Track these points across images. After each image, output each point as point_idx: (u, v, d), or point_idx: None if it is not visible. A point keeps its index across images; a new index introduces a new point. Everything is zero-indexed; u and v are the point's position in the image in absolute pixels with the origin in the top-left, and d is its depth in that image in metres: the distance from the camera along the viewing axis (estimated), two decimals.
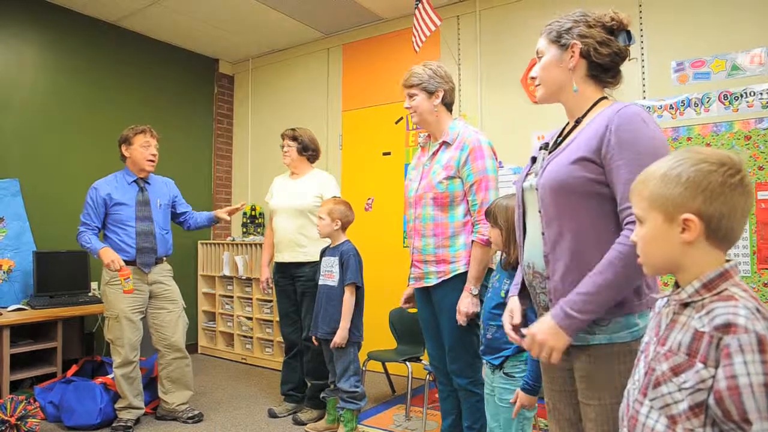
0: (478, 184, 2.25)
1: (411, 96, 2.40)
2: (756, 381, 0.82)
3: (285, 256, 3.28)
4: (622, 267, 1.24)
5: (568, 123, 1.56)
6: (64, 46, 4.28)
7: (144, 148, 3.19)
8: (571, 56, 1.45)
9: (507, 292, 1.96)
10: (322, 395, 3.15)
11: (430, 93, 2.37)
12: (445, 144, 2.36)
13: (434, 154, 2.39)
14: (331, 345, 2.86)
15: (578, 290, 1.29)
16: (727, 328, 0.87)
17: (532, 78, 1.57)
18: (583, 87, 1.48)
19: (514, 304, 1.63)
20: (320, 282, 3.01)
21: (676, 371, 0.94)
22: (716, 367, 0.87)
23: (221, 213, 3.38)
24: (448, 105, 2.43)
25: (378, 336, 3.90)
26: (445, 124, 2.40)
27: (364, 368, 3.30)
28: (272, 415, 3.35)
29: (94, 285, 4.24)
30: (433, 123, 2.41)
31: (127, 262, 3.05)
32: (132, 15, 4.43)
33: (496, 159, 2.34)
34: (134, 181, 3.22)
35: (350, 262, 2.90)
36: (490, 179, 2.26)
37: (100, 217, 3.15)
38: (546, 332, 1.31)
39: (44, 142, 4.14)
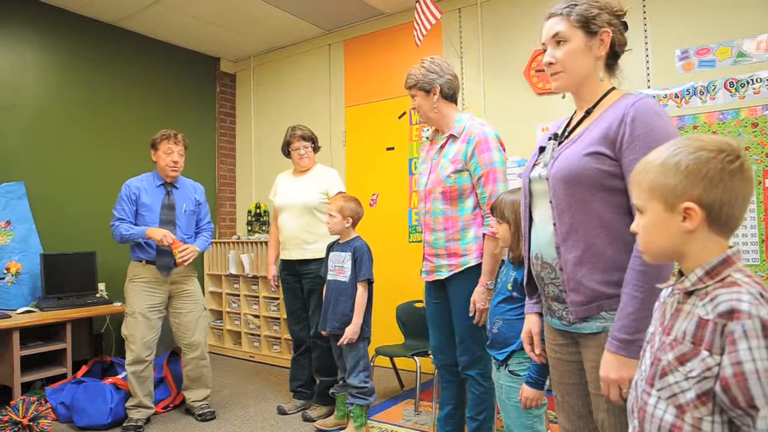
0: (486, 177, 2.24)
1: (413, 97, 2.43)
2: (761, 366, 0.81)
3: (292, 254, 3.29)
4: (654, 270, 1.22)
5: (575, 112, 1.53)
6: (65, 48, 4.29)
7: (167, 155, 3.21)
8: (600, 44, 1.42)
9: (512, 284, 1.95)
10: (331, 391, 3.15)
11: (427, 91, 2.37)
12: (452, 137, 2.35)
13: (442, 147, 2.39)
14: (343, 339, 2.86)
15: (623, 312, 1.26)
16: (730, 314, 0.86)
17: (550, 64, 1.47)
18: (603, 76, 1.46)
19: (532, 324, 1.64)
20: (329, 277, 3.00)
21: (681, 360, 0.93)
22: (722, 354, 0.86)
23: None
24: (449, 97, 2.41)
25: (385, 331, 3.90)
26: (450, 117, 2.39)
27: (372, 364, 3.31)
28: (281, 412, 3.36)
29: (101, 286, 4.26)
30: (437, 119, 2.41)
31: (148, 262, 3.16)
32: (132, 15, 4.44)
33: (504, 150, 2.32)
34: (162, 184, 3.27)
35: (364, 259, 2.90)
36: (498, 171, 2.24)
37: (133, 212, 3.19)
38: (617, 368, 1.26)
39: (48, 145, 4.16)
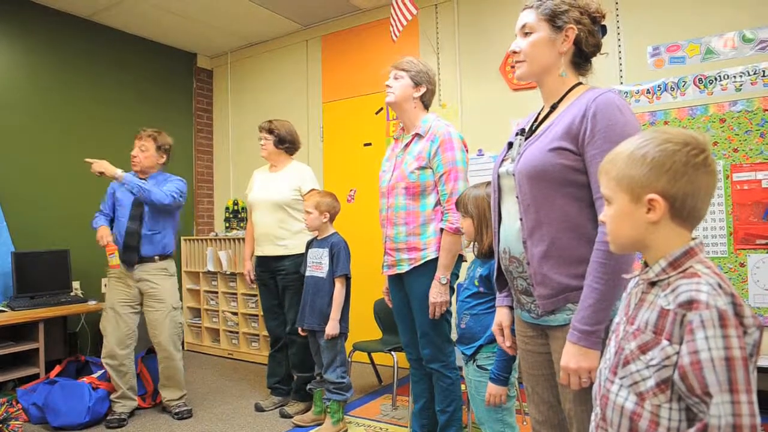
0: (448, 175, 2.31)
1: (396, 77, 2.45)
2: (717, 355, 0.84)
3: (265, 250, 3.28)
4: (614, 263, 1.24)
5: (543, 107, 1.56)
6: (37, 43, 4.20)
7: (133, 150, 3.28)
8: (564, 40, 1.44)
9: (479, 280, 1.97)
10: (308, 387, 3.15)
11: (416, 83, 2.43)
12: (418, 136, 2.42)
13: (407, 145, 2.46)
14: (325, 336, 2.87)
15: (584, 303, 1.28)
16: (690, 304, 0.88)
17: (515, 52, 1.50)
18: (567, 72, 1.48)
19: (503, 317, 1.65)
20: (307, 273, 3.01)
21: (643, 349, 0.95)
22: (681, 343, 0.89)
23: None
24: (425, 102, 2.49)
25: (363, 327, 3.91)
26: (419, 117, 2.47)
27: (350, 359, 3.31)
28: (259, 409, 3.34)
29: (76, 284, 4.20)
30: (408, 111, 2.47)
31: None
32: (106, 9, 4.36)
33: (467, 151, 2.40)
34: None
35: (341, 254, 2.91)
36: (459, 170, 2.32)
37: (111, 206, 3.31)
38: (576, 358, 1.29)
39: (18, 142, 4.07)
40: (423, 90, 2.44)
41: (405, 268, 2.38)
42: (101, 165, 3.06)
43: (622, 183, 0.98)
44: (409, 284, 2.41)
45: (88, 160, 3.07)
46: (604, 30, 1.50)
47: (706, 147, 0.95)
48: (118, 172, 3.07)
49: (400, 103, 2.45)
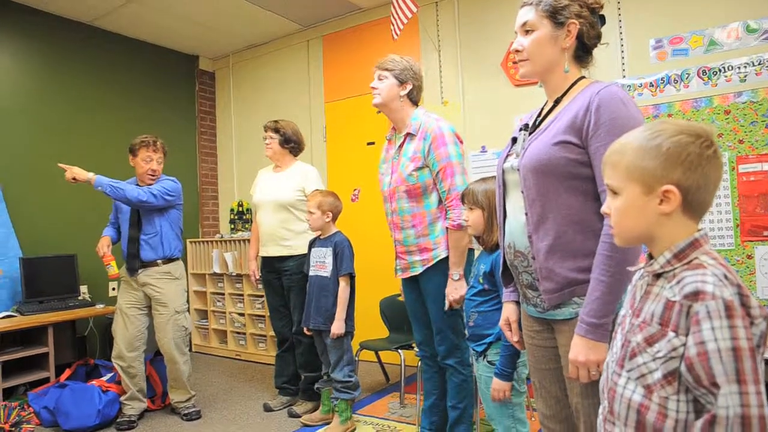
0: (443, 171, 2.30)
1: (382, 78, 2.45)
2: (723, 346, 0.83)
3: (269, 251, 3.29)
4: (620, 255, 1.24)
5: (546, 102, 1.55)
6: (40, 49, 4.22)
7: (145, 163, 3.23)
8: (567, 35, 1.43)
9: (483, 277, 1.98)
10: (316, 386, 3.16)
11: (401, 81, 2.42)
12: (410, 135, 2.41)
13: (400, 146, 2.44)
14: (331, 335, 2.87)
15: (591, 296, 1.28)
16: (696, 295, 0.88)
17: (517, 51, 1.49)
18: (570, 67, 1.47)
19: (510, 312, 1.65)
20: (311, 273, 3.01)
21: (649, 341, 0.95)
22: (687, 334, 0.88)
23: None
24: (413, 99, 2.48)
25: (369, 326, 3.91)
26: (408, 115, 2.45)
27: (357, 358, 3.32)
28: (267, 409, 3.36)
29: (83, 288, 4.22)
30: (395, 110, 2.45)
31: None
32: (108, 14, 4.37)
33: (461, 144, 2.37)
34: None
35: (345, 253, 2.92)
36: (455, 165, 2.30)
37: (116, 216, 3.37)
38: (585, 351, 1.29)
39: (25, 147, 4.09)
40: (409, 87, 2.42)
41: (419, 269, 2.39)
42: (72, 171, 3.02)
43: (634, 174, 0.97)
44: (423, 284, 2.41)
45: (61, 165, 3.04)
46: (603, 20, 1.49)
47: (715, 139, 0.95)
48: (89, 175, 3.03)
49: (387, 103, 2.44)
